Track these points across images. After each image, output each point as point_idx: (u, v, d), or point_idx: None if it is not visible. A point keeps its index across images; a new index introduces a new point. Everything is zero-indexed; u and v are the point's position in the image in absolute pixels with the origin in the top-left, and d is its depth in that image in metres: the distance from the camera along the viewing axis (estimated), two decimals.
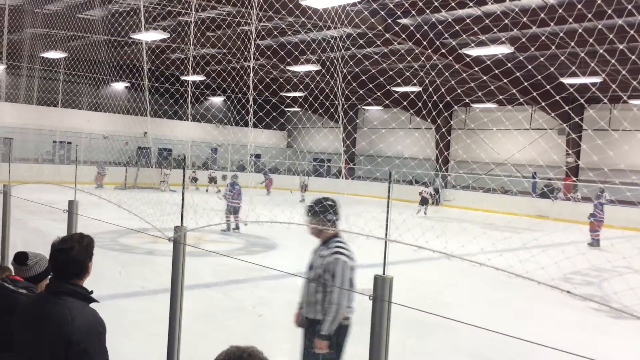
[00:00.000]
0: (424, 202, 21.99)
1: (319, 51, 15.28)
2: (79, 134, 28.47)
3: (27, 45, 21.91)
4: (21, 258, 3.24)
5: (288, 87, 23.94)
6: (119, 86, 32.90)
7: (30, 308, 2.63)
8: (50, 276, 2.68)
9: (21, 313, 2.67)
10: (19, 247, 5.05)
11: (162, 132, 31.52)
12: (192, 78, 22.67)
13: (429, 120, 28.97)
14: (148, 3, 14.53)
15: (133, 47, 19.28)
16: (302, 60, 20.56)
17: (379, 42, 15.41)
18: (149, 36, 17.89)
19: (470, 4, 11.93)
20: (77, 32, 17.58)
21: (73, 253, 2.55)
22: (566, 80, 18.11)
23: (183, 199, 3.28)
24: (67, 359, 2.40)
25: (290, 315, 7.48)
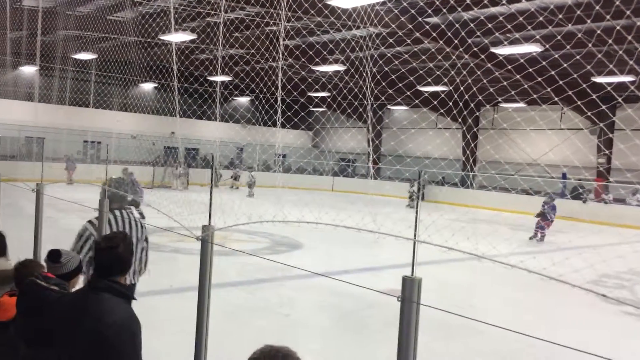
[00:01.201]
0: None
1: (348, 50, 15.24)
2: (108, 133, 28.95)
3: (59, 46, 22.36)
4: (54, 256, 3.30)
5: (316, 87, 23.97)
6: (148, 87, 33.37)
7: (71, 302, 2.71)
8: (95, 273, 2.73)
9: (63, 307, 2.74)
10: (50, 244, 5.15)
11: (189, 132, 31.88)
12: (220, 78, 22.86)
13: (460, 120, 28.68)
14: (178, 5, 14.71)
15: (163, 48, 19.53)
16: (330, 60, 20.54)
17: (409, 41, 15.29)
18: (178, 37, 18.10)
19: (503, 2, 11.76)
20: (107, 33, 17.87)
21: (118, 251, 2.64)
22: (598, 79, 17.73)
23: (211, 199, 3.30)
24: (100, 353, 2.45)
25: (317, 314, 7.50)
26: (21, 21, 17.28)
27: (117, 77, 23.08)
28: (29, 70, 27.20)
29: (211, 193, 3.44)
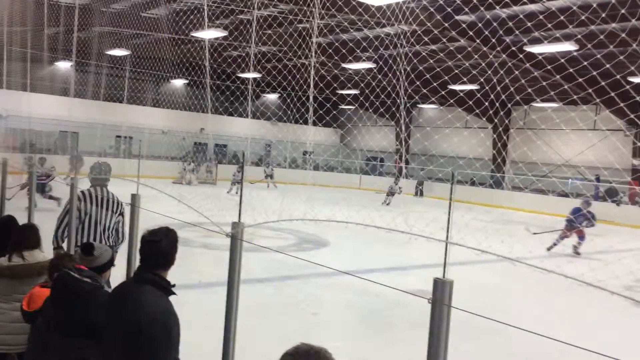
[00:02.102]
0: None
1: (381, 49, 15.14)
2: (140, 129, 29.40)
3: (94, 43, 22.77)
4: (88, 248, 3.36)
5: (349, 85, 23.90)
6: (178, 83, 33.76)
7: (117, 293, 2.81)
8: (139, 265, 2.80)
9: (110, 296, 2.84)
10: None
11: (219, 128, 32.15)
12: (251, 75, 22.97)
13: (496, 120, 28.24)
14: (211, 2, 14.83)
15: (196, 44, 19.72)
16: (363, 58, 20.43)
17: (444, 40, 15.14)
18: (210, 34, 18.26)
19: (525, 0, 11.53)
20: (141, 30, 18.12)
21: (161, 245, 2.72)
22: (636, 79, 17.26)
23: (241, 195, 3.31)
24: (135, 344, 2.50)
25: (343, 312, 7.49)
26: (58, 18, 17.63)
27: (149, 73, 23.41)
28: (64, 66, 27.79)
29: (241, 190, 3.46)
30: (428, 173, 29.34)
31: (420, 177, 29.93)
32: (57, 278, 3.23)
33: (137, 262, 3.04)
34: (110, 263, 3.45)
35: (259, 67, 23.91)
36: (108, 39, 22.82)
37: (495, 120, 28.30)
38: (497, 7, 12.27)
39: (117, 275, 3.65)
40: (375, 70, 21.85)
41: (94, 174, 5.26)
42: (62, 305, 3.08)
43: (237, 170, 22.98)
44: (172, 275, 2.83)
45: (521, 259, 10.00)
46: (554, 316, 8.06)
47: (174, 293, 2.73)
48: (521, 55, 12.81)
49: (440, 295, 2.05)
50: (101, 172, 5.29)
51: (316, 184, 26.86)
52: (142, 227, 3.91)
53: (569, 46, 14.89)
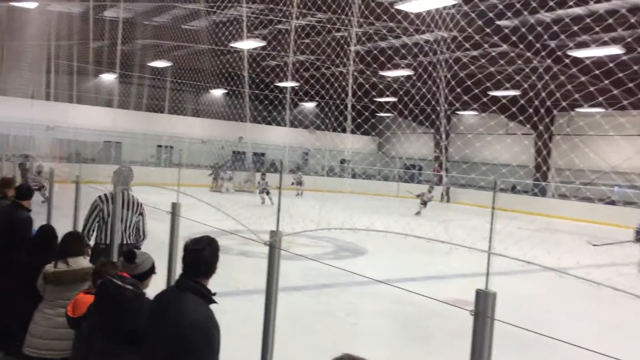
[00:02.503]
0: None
1: (421, 55, 14.98)
2: (181, 138, 29.96)
3: (137, 55, 23.38)
4: (130, 256, 3.42)
5: (388, 93, 23.82)
6: (217, 93, 34.28)
7: (159, 301, 2.85)
8: (182, 273, 2.84)
9: (152, 304, 2.89)
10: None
11: (256, 137, 32.47)
12: (289, 84, 23.13)
13: (541, 127, 27.60)
14: (250, 13, 15.03)
15: (235, 55, 20.00)
16: (402, 65, 20.31)
17: (485, 46, 14.88)
18: (249, 44, 18.50)
19: (571, 3, 11.23)
20: (181, 42, 18.50)
21: (204, 254, 2.74)
22: None
23: (280, 204, 3.31)
24: (178, 351, 2.53)
25: (380, 322, 7.41)
26: (103, 32, 18.19)
27: (190, 84, 23.85)
28: (108, 78, 28.59)
29: (279, 198, 3.46)
30: (469, 181, 28.88)
31: (447, 183, 30.05)
32: (100, 285, 3.29)
33: (177, 270, 3.08)
34: (151, 271, 3.50)
35: (297, 76, 24.06)
36: (150, 51, 23.41)
37: (540, 127, 27.65)
38: (541, 12, 12.01)
39: (157, 283, 3.70)
40: (414, 78, 21.70)
41: (116, 179, 5.75)
42: (105, 312, 3.14)
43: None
44: (210, 282, 2.85)
45: (568, 270, 9.70)
46: (602, 330, 7.77)
47: (215, 301, 2.74)
48: (567, 60, 12.48)
49: (483, 307, 1.99)
50: (121, 177, 5.78)
51: (354, 192, 26.73)
52: (182, 235, 3.96)
53: (616, 50, 14.46)
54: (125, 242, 5.36)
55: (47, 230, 4.85)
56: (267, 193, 22.06)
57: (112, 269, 3.64)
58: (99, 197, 5.59)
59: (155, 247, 4.58)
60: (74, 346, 3.56)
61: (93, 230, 5.50)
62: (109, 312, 3.12)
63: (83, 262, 4.14)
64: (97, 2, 16.60)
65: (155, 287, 3.38)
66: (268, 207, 20.24)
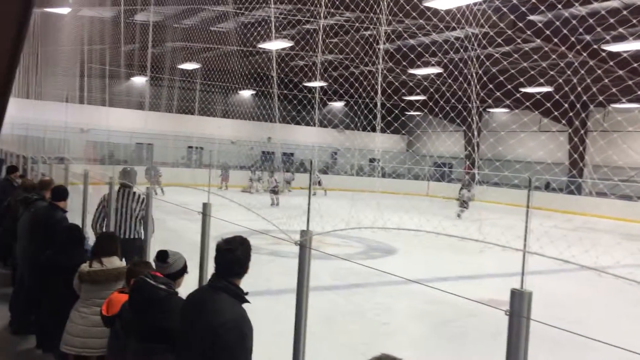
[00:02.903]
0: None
1: (451, 52, 14.82)
2: (211, 139, 30.27)
3: (167, 58, 23.70)
4: (162, 256, 3.46)
5: (415, 88, 23.59)
6: (246, 94, 34.53)
7: (192, 300, 2.87)
8: (214, 273, 2.87)
9: (185, 303, 2.92)
10: (157, 245, 5.42)
11: (285, 137, 32.57)
12: (317, 84, 23.15)
13: (577, 123, 26.99)
14: (278, 13, 15.08)
15: (263, 55, 20.11)
16: (433, 62, 20.09)
17: (518, 41, 14.64)
18: (277, 45, 18.57)
19: None
20: (210, 44, 18.66)
21: (237, 254, 2.76)
22: None
23: (309, 204, 3.30)
24: (212, 350, 2.55)
25: (413, 322, 7.34)
26: (134, 35, 18.48)
27: (219, 85, 24.05)
28: (140, 81, 29.08)
29: (309, 198, 3.45)
30: (501, 179, 28.34)
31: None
32: (133, 284, 3.33)
33: (209, 270, 3.09)
34: (183, 270, 3.53)
35: (325, 76, 24.06)
36: (180, 54, 23.69)
37: (575, 123, 27.00)
38: (576, 5, 11.72)
39: (189, 282, 3.73)
40: (444, 75, 21.47)
41: (121, 178, 6.63)
42: (138, 311, 3.18)
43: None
44: (242, 282, 2.86)
45: (607, 269, 9.46)
46: (637, 328, 7.56)
47: (247, 301, 2.75)
48: (603, 54, 12.16)
49: (519, 307, 1.95)
50: (127, 176, 6.70)
51: (384, 192, 26.56)
52: (213, 235, 3.98)
53: None
54: (130, 232, 6.31)
55: (70, 229, 4.96)
56: (276, 193, 21.68)
57: (145, 268, 3.69)
58: (104, 195, 6.41)
59: (187, 247, 4.63)
60: (109, 344, 3.62)
61: (101, 225, 6.33)
62: (143, 311, 3.15)
63: (117, 262, 4.21)
64: (128, 6, 16.89)
65: (187, 286, 3.41)
66: (299, 207, 20.27)
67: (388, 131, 32.02)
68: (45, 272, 4.82)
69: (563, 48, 13.31)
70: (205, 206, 4.22)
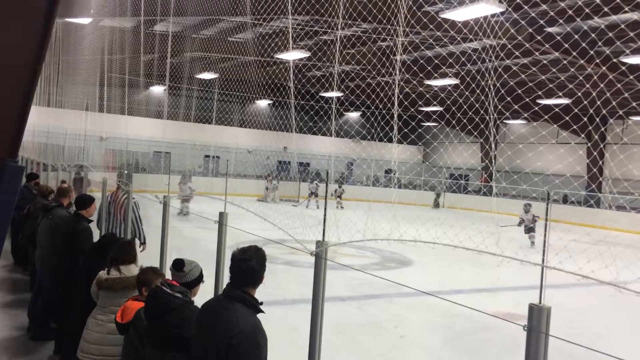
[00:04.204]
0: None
1: (468, 63, 14.78)
2: (228, 149, 30.44)
3: (186, 67, 23.93)
4: (179, 264, 3.48)
5: (432, 99, 23.56)
6: (263, 103, 34.71)
7: (207, 309, 2.88)
8: (229, 282, 2.88)
9: (200, 312, 2.93)
10: (174, 253, 5.46)
11: (301, 147, 32.63)
12: (334, 94, 23.23)
13: (596, 135, 26.73)
14: (295, 24, 15.17)
15: (280, 66, 20.23)
16: (449, 74, 20.06)
17: (536, 53, 14.56)
18: (294, 55, 18.67)
19: (626, 9, 10.82)
20: (228, 54, 18.82)
21: (252, 263, 2.76)
22: None
23: (325, 214, 3.30)
24: (227, 359, 2.55)
25: (428, 334, 7.28)
26: (153, 45, 18.71)
27: (236, 95, 24.22)
28: (158, 90, 29.39)
29: (325, 208, 3.45)
30: (519, 192, 28.08)
31: (438, 190, 30.06)
32: (150, 292, 3.35)
33: (225, 279, 3.10)
34: (199, 279, 3.54)
35: (342, 86, 24.12)
36: (198, 64, 23.91)
37: (595, 136, 26.71)
38: (595, 17, 11.65)
39: (205, 291, 3.74)
40: (461, 87, 21.40)
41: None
42: (154, 319, 3.20)
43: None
44: (257, 292, 2.86)
45: (627, 284, 9.31)
46: None
47: (262, 311, 2.75)
48: (623, 68, 12.05)
49: (537, 322, 1.93)
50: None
51: (401, 202, 26.47)
52: (229, 244, 4.00)
53: None
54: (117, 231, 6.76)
55: (109, 238, 5.01)
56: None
57: (153, 274, 3.73)
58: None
59: (203, 255, 4.65)
60: (124, 352, 3.64)
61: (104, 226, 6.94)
62: (158, 319, 3.17)
63: (134, 270, 4.23)
64: (148, 17, 17.11)
65: (203, 295, 3.43)
66: (315, 217, 20.28)
67: (405, 142, 31.92)
68: (74, 280, 4.88)
69: (582, 61, 13.21)
70: (222, 215, 4.24)
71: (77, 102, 17.19)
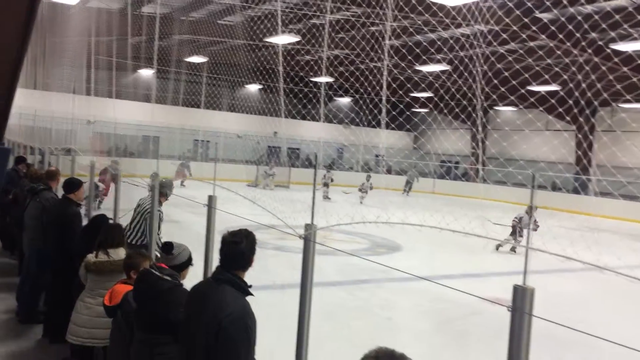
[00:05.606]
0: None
1: (457, 48, 14.72)
2: (217, 133, 30.27)
3: (174, 50, 23.70)
4: (168, 247, 3.48)
5: (423, 86, 23.50)
6: (253, 88, 34.49)
7: (196, 292, 2.88)
8: (219, 265, 2.87)
9: (189, 295, 2.93)
10: (163, 237, 5.44)
11: (292, 131, 32.54)
12: (323, 79, 23.10)
13: (584, 124, 26.90)
14: (285, 7, 15.04)
15: (270, 50, 20.08)
16: (438, 58, 20.01)
17: (525, 37, 14.54)
18: (284, 39, 18.52)
19: None
20: (217, 37, 18.63)
21: (241, 246, 2.76)
22: None
23: (314, 198, 3.31)
24: (216, 342, 2.56)
25: (417, 319, 7.35)
26: (140, 27, 18.48)
27: (225, 79, 24.01)
28: (146, 73, 29.10)
29: (314, 192, 3.46)
30: (506, 177, 28.24)
31: (410, 176, 29.67)
32: (139, 275, 3.36)
33: (214, 262, 3.11)
34: (188, 262, 3.55)
35: (331, 70, 24.01)
36: (186, 47, 23.68)
37: (580, 120, 26.87)
38: (583, 2, 11.68)
39: (194, 275, 3.74)
40: (450, 71, 21.39)
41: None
42: (143, 302, 3.20)
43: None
44: (246, 276, 2.87)
45: (609, 267, 9.45)
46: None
47: (251, 294, 2.76)
48: (609, 52, 12.09)
49: (521, 303, 1.95)
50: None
51: (388, 188, 26.47)
52: (219, 229, 4.00)
53: None
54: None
55: (99, 220, 4.98)
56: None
57: (139, 257, 3.73)
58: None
59: (192, 239, 4.65)
60: (112, 335, 3.65)
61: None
62: (147, 302, 3.17)
63: (122, 253, 4.23)
64: None
65: (192, 278, 3.43)
66: (304, 202, 20.27)
67: (392, 125, 31.93)
68: (64, 264, 4.86)
69: (568, 44, 13.25)
70: (210, 199, 4.23)
71: (64, 84, 16.98)
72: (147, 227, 5.69)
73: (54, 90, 18.07)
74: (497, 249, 12.70)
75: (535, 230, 11.49)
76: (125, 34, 16.62)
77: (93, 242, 4.39)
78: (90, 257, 4.22)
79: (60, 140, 16.27)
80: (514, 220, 12.88)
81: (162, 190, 5.87)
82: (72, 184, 5.69)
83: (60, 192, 6.18)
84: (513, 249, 12.69)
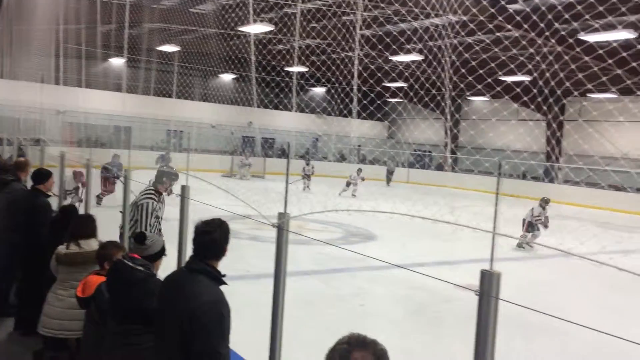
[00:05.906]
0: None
1: (426, 37, 14.80)
2: (190, 123, 29.97)
3: (145, 39, 23.31)
4: (141, 238, 3.47)
5: (393, 75, 23.59)
6: (227, 77, 34.19)
7: (170, 282, 2.89)
8: (192, 255, 2.87)
9: (163, 285, 2.93)
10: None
11: (266, 122, 32.40)
12: (296, 69, 23.01)
13: (547, 110, 27.37)
14: None
15: (242, 39, 19.93)
16: (408, 48, 20.11)
17: (491, 27, 14.69)
18: (256, 28, 18.39)
19: None
20: (189, 26, 18.40)
21: (215, 235, 2.78)
22: None
23: (287, 187, 3.33)
24: (190, 331, 2.58)
25: (391, 306, 7.45)
26: (110, 15, 18.13)
27: (198, 69, 23.75)
28: (117, 62, 28.59)
29: (287, 182, 3.48)
30: (477, 167, 28.62)
31: (390, 166, 29.85)
32: (112, 266, 3.34)
33: (188, 253, 3.11)
34: (161, 252, 3.54)
35: (304, 60, 23.94)
36: (158, 35, 23.32)
37: (551, 114, 27.37)
38: None
39: (168, 265, 3.74)
40: (419, 61, 21.51)
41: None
42: (116, 293, 3.19)
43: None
44: (220, 265, 2.88)
45: (572, 250, 9.71)
46: (613, 314, 7.78)
47: (225, 283, 2.78)
48: (573, 43, 12.34)
49: (488, 287, 2.01)
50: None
51: (369, 178, 26.27)
52: (192, 219, 3.99)
53: (626, 34, 14.27)
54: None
55: (69, 210, 4.93)
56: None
57: (113, 248, 3.71)
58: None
59: (166, 229, 4.63)
60: (85, 326, 3.63)
61: None
62: (120, 293, 3.17)
63: (94, 244, 4.19)
64: None
65: (165, 269, 3.43)
66: (280, 193, 20.25)
67: (364, 114, 32.01)
68: (34, 256, 4.79)
69: (532, 34, 13.49)
70: (183, 189, 4.22)
71: (32, 73, 16.58)
72: (139, 218, 5.31)
73: (22, 80, 17.64)
74: (518, 247, 10.99)
75: (547, 227, 10.80)
76: (94, 21, 16.29)
77: (63, 233, 4.34)
78: (61, 248, 4.18)
79: (29, 130, 15.91)
80: (536, 216, 11.47)
81: (159, 180, 5.57)
82: (41, 175, 5.61)
83: (29, 184, 6.08)
84: (520, 245, 11.00)
